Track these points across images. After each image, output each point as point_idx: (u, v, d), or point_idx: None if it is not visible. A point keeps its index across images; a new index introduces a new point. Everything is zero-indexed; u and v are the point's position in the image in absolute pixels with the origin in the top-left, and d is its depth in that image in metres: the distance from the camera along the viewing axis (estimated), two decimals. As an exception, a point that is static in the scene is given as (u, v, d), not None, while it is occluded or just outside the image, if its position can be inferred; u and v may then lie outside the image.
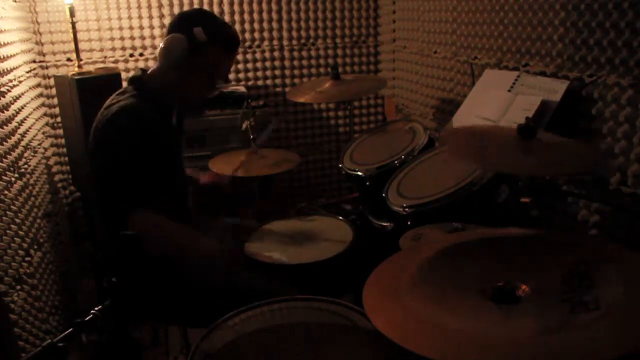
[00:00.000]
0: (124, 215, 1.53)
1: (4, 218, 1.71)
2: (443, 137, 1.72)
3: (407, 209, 1.82)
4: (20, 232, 1.83)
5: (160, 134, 1.68)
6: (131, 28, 2.95)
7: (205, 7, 3.05)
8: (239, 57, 3.21)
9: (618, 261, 1.07)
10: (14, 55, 2.24)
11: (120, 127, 1.60)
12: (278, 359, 1.17)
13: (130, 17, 2.93)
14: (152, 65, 2.98)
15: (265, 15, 3.21)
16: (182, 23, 1.70)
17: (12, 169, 1.88)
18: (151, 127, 1.64)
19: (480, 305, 1.01)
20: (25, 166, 2.07)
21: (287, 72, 3.35)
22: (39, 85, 2.74)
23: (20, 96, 2.21)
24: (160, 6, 2.97)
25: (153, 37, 2.99)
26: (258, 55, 3.25)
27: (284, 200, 3.40)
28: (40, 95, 2.74)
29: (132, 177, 1.55)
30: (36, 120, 2.47)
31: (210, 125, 2.85)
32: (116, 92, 1.74)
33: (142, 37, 2.97)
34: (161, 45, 1.68)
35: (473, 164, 1.72)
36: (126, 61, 2.98)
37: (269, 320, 1.31)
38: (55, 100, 2.80)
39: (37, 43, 2.78)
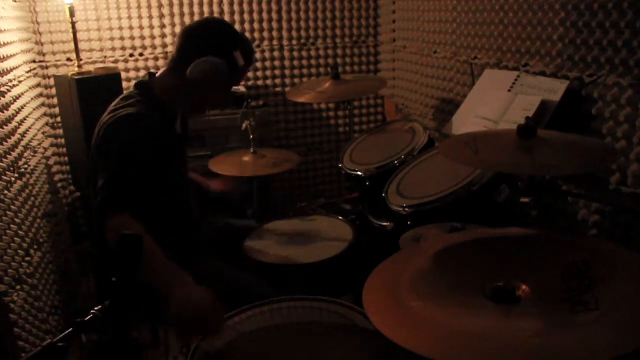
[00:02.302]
0: (104, 219, 1.45)
1: (4, 218, 1.71)
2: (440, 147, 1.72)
3: (407, 209, 1.83)
4: (20, 232, 1.83)
5: (164, 143, 1.66)
6: (131, 28, 2.95)
7: (205, 7, 3.05)
8: (239, 57, 3.21)
9: (618, 261, 1.07)
10: (14, 55, 2.24)
11: (122, 135, 1.56)
12: (278, 359, 1.17)
13: (130, 17, 2.93)
14: (152, 65, 3.00)
15: (265, 15, 3.21)
16: (221, 44, 1.66)
17: (12, 169, 1.88)
18: (155, 137, 1.61)
19: (480, 305, 1.01)
20: (25, 166, 2.07)
21: (287, 72, 3.34)
22: (39, 85, 2.74)
23: (20, 96, 2.21)
24: (160, 6, 2.97)
25: (153, 37, 2.99)
26: (258, 55, 3.25)
27: (284, 201, 3.41)
28: (40, 95, 2.74)
29: (121, 185, 1.49)
30: (36, 120, 2.47)
31: (210, 125, 2.86)
32: (120, 97, 1.70)
33: (142, 37, 2.97)
34: (197, 64, 1.62)
35: (469, 166, 1.72)
36: (126, 61, 2.98)
37: (269, 320, 1.31)
38: (55, 100, 2.80)
39: (37, 43, 2.79)
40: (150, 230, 1.58)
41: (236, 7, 3.14)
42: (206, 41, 1.67)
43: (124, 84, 2.75)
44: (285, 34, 3.28)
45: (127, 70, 2.96)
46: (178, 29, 3.01)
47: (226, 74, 1.64)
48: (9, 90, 2.05)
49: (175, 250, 1.66)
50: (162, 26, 2.99)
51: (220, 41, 1.68)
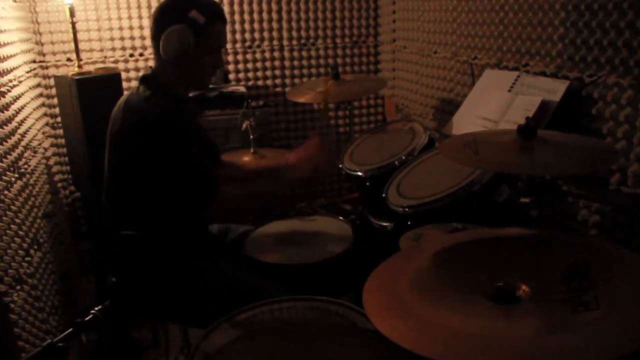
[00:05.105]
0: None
1: (4, 218, 1.71)
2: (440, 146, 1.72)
3: (407, 209, 1.83)
4: (20, 232, 1.83)
5: (188, 130, 1.72)
6: (131, 28, 2.95)
7: (205, 7, 3.05)
8: (239, 57, 3.22)
9: (618, 261, 1.07)
10: (14, 55, 2.24)
11: (167, 127, 1.61)
12: (278, 359, 1.17)
13: (130, 17, 2.93)
14: (152, 65, 3.00)
15: (265, 15, 3.21)
16: (174, 12, 1.66)
17: (12, 169, 1.88)
18: (181, 123, 1.67)
19: (480, 305, 1.01)
20: (25, 166, 2.07)
21: (287, 72, 3.34)
22: (39, 85, 2.74)
23: (20, 96, 2.20)
24: (160, 6, 2.97)
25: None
26: (258, 55, 3.25)
27: (284, 200, 3.40)
28: (40, 95, 2.74)
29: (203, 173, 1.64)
30: (36, 120, 2.47)
31: (210, 125, 2.85)
32: (129, 93, 1.72)
33: (142, 37, 2.97)
34: (163, 40, 1.64)
35: (469, 166, 1.72)
36: (126, 61, 2.98)
37: (269, 320, 1.31)
38: (55, 100, 2.80)
39: (37, 43, 2.78)
40: (158, 223, 1.61)
41: (236, 7, 3.14)
42: (162, 16, 1.68)
43: (124, 84, 2.75)
44: (285, 34, 3.28)
45: (127, 70, 2.96)
46: (178, 29, 3.01)
47: (191, 36, 1.63)
48: (9, 90, 2.05)
49: (177, 249, 1.67)
50: (162, 26, 2.99)
51: (173, 9, 1.68)
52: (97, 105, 1.76)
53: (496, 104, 2.03)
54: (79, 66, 2.57)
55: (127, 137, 1.62)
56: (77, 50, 2.57)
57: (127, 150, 1.63)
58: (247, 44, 3.22)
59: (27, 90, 2.39)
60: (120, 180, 1.68)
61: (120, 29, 2.93)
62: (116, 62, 2.96)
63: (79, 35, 2.69)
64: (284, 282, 1.66)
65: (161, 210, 1.63)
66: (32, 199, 2.08)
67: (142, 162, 1.61)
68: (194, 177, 1.63)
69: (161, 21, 1.67)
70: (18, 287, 1.71)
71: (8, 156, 1.86)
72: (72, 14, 2.53)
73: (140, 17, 2.94)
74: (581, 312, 0.92)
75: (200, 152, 1.80)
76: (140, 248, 1.65)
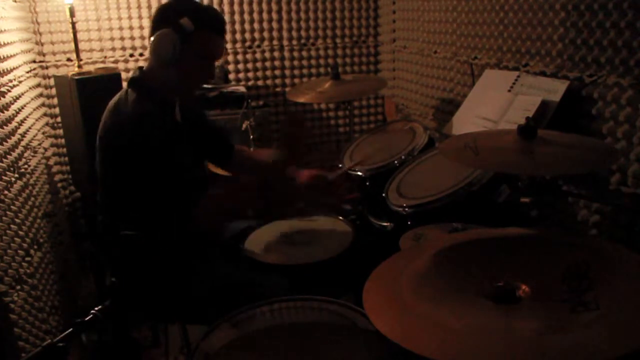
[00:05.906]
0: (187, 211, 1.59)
1: (4, 218, 1.71)
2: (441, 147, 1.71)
3: (407, 209, 1.83)
4: (20, 232, 1.83)
5: (168, 133, 1.68)
6: (131, 28, 2.95)
7: (205, 7, 3.05)
8: (239, 57, 3.22)
9: (618, 261, 1.07)
10: (14, 55, 2.24)
11: (146, 130, 1.59)
12: (278, 359, 1.17)
13: (130, 17, 2.93)
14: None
15: (265, 15, 3.21)
16: (167, 16, 1.66)
17: (12, 169, 1.88)
18: (160, 131, 1.64)
19: (480, 305, 1.01)
20: (25, 166, 2.07)
21: (287, 72, 3.35)
22: (39, 85, 2.74)
23: (20, 96, 2.20)
24: (160, 6, 2.97)
25: (153, 37, 2.99)
26: (258, 55, 3.25)
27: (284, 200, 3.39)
28: (40, 95, 2.74)
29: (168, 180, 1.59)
30: (36, 120, 2.47)
31: (210, 125, 2.85)
32: (118, 95, 1.72)
33: (142, 37, 2.97)
34: (151, 43, 1.64)
35: (469, 166, 1.72)
36: (126, 61, 2.98)
37: (269, 320, 1.31)
38: (55, 100, 2.80)
39: (37, 43, 2.78)
40: (154, 223, 1.61)
41: (236, 7, 3.14)
42: (156, 19, 1.68)
43: (124, 84, 2.75)
44: (285, 34, 3.28)
45: (127, 70, 2.96)
46: (178, 29, 3.01)
47: (177, 41, 1.61)
48: (9, 90, 2.05)
49: (176, 249, 1.67)
50: (162, 26, 2.99)
51: (165, 13, 1.67)
52: (97, 105, 1.75)
53: (496, 104, 2.03)
54: (79, 66, 2.57)
55: (112, 139, 1.62)
56: (77, 50, 2.57)
57: (113, 152, 1.62)
58: (247, 44, 3.23)
59: (27, 90, 2.39)
60: (109, 182, 1.68)
61: (120, 29, 2.93)
62: (116, 62, 2.96)
63: (79, 35, 2.69)
64: (284, 282, 1.66)
65: (149, 211, 1.62)
66: (32, 199, 2.08)
67: (125, 165, 1.59)
68: (175, 181, 1.61)
69: (156, 22, 1.67)
70: (18, 287, 1.71)
71: (8, 156, 1.86)
72: (72, 14, 2.53)
73: (140, 17, 2.95)
74: (581, 312, 0.92)
75: (188, 156, 1.79)
76: (140, 248, 1.64)
